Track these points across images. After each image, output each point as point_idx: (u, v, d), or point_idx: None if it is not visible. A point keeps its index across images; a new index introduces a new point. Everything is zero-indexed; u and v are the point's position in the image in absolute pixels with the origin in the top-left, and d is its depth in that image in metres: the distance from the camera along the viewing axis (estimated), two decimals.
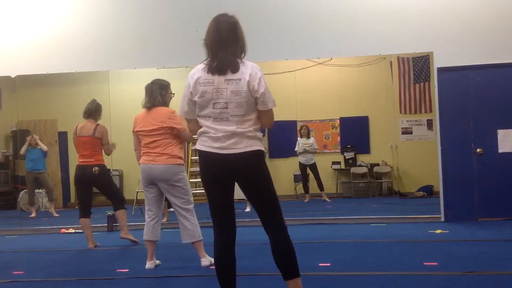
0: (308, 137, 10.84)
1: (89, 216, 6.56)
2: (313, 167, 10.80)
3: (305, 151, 10.72)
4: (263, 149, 3.10)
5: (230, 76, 2.99)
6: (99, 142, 6.47)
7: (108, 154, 6.68)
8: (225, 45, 3.03)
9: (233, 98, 2.98)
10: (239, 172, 3.03)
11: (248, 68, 3.02)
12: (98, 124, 6.53)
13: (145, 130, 5.02)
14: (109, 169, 7.27)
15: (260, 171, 3.06)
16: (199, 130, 3.10)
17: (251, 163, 3.03)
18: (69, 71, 8.52)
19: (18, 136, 10.80)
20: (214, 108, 3.01)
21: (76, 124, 6.57)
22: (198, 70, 3.08)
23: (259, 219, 3.13)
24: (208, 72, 3.03)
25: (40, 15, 8.60)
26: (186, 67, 8.69)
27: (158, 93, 5.07)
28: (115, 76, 9.67)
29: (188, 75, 3.11)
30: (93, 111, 6.53)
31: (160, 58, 8.28)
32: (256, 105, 3.05)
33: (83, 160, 6.45)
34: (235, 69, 3.00)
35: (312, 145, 10.79)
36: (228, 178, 3.06)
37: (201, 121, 3.09)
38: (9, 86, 9.98)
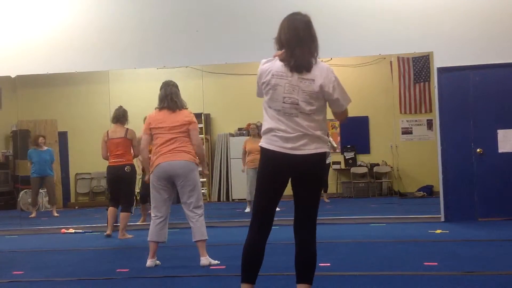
0: None
1: (118, 206, 7.31)
2: None
3: None
4: (328, 150, 3.18)
5: (304, 75, 3.01)
6: (130, 143, 7.20)
7: (137, 154, 7.21)
8: (301, 43, 3.06)
9: (304, 97, 2.99)
10: (304, 172, 3.05)
11: (324, 71, 3.04)
12: (128, 128, 7.24)
13: (166, 127, 5.01)
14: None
15: (321, 173, 3.15)
16: (267, 127, 3.07)
17: (318, 165, 3.08)
18: (69, 71, 8.52)
19: (18, 136, 10.81)
20: (284, 103, 3.02)
21: (105, 130, 7.31)
22: (273, 63, 3.08)
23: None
24: (284, 67, 3.03)
25: (40, 15, 8.58)
26: (186, 67, 8.70)
27: (180, 97, 5.15)
28: (115, 76, 9.64)
29: (260, 65, 3.12)
30: (121, 117, 7.25)
31: (160, 58, 8.27)
32: (325, 107, 3.09)
33: (116, 160, 7.15)
34: (309, 68, 3.02)
35: None
36: (288, 177, 3.09)
37: (271, 113, 3.06)
38: (9, 86, 9.98)
